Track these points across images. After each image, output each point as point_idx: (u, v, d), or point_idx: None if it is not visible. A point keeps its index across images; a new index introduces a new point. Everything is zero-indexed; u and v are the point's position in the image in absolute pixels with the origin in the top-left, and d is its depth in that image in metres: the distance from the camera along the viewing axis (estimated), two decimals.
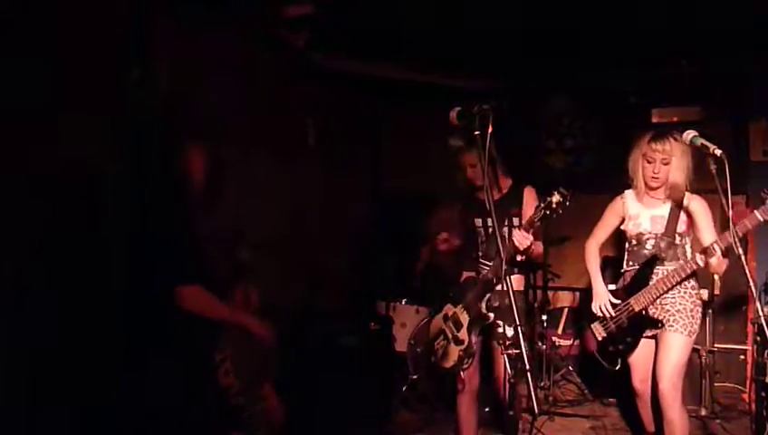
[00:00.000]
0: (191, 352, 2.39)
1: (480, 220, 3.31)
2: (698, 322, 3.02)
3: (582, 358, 4.90)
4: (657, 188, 3.06)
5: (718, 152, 2.41)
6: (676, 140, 2.94)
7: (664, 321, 3.02)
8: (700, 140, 2.53)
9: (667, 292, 3.01)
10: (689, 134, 2.59)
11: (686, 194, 3.01)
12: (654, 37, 4.64)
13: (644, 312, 3.07)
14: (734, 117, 5.14)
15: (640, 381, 3.16)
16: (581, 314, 3.41)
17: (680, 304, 3.01)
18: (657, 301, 3.04)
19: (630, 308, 3.09)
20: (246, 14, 3.97)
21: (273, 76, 4.65)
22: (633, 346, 3.10)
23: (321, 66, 4.91)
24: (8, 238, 2.61)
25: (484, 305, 3.07)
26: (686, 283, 3.03)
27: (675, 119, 5.30)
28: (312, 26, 4.26)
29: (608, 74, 5.42)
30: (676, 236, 3.03)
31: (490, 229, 3.23)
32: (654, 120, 5.38)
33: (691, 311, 3.00)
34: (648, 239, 3.09)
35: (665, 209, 3.07)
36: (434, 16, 4.32)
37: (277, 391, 3.48)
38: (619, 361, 3.14)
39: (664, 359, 2.98)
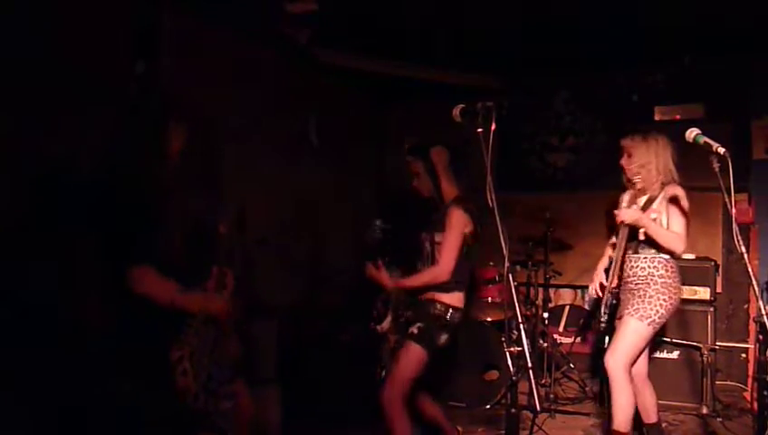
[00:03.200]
0: (145, 348, 2.20)
1: (424, 234, 3.17)
2: (658, 311, 3.07)
3: (586, 355, 4.92)
4: (630, 179, 3.23)
5: (721, 150, 2.42)
6: (643, 138, 3.17)
7: (628, 305, 3.17)
8: (703, 138, 2.54)
9: (622, 257, 3.22)
10: (692, 132, 2.60)
11: (668, 186, 3.12)
12: (656, 35, 4.64)
13: (620, 292, 3.25)
14: (736, 115, 5.13)
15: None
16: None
17: (643, 290, 3.13)
18: (629, 287, 3.20)
19: (610, 285, 3.27)
20: (250, 11, 3.97)
21: (277, 73, 4.65)
22: (610, 327, 3.26)
23: (324, 63, 4.91)
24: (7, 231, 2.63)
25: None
26: (654, 271, 3.12)
27: (677, 116, 5.30)
28: (316, 23, 4.26)
29: (610, 72, 5.42)
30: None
31: (428, 246, 3.13)
32: (656, 117, 5.38)
33: (650, 298, 3.10)
34: (628, 224, 3.23)
35: (643, 199, 3.23)
36: (437, 13, 4.32)
37: (278, 388, 3.50)
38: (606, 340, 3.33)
39: (615, 338, 3.15)
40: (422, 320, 3.01)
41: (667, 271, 3.13)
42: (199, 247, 2.40)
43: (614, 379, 3.10)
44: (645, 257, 3.15)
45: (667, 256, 3.14)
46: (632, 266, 3.19)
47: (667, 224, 3.10)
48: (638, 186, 3.20)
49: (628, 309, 3.15)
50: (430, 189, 3.14)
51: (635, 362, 3.19)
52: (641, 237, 3.13)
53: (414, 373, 2.96)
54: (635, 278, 3.17)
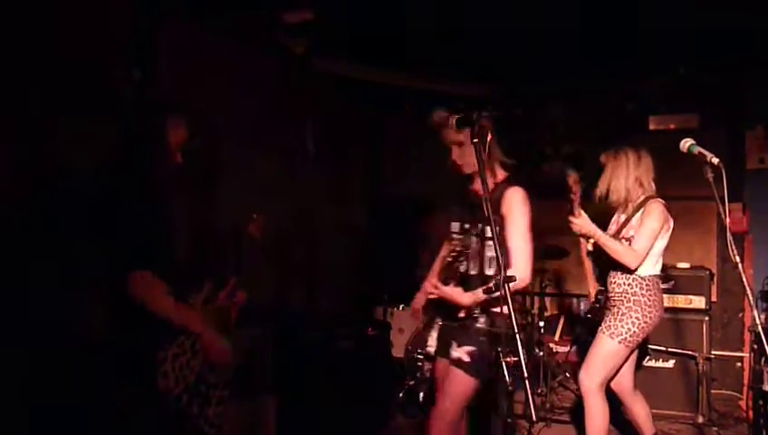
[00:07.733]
0: (133, 351, 2.17)
1: (458, 225, 2.73)
2: (630, 329, 3.08)
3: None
4: (602, 195, 3.31)
5: (715, 160, 2.43)
6: (614, 153, 3.25)
7: (604, 321, 3.20)
8: (697, 148, 2.55)
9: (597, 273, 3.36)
10: (686, 142, 2.61)
11: (649, 203, 3.14)
12: (651, 45, 4.66)
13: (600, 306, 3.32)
14: (730, 125, 5.16)
15: (612, 383, 3.23)
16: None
17: (617, 307, 3.16)
18: (609, 303, 3.23)
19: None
20: (247, 20, 3.98)
21: (273, 81, 4.66)
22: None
23: (320, 71, 4.93)
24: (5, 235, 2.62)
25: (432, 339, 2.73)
26: (628, 288, 3.13)
27: (671, 126, 5.33)
28: (312, 33, 4.27)
29: (605, 81, 5.44)
30: (621, 241, 3.18)
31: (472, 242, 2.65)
32: (651, 127, 5.40)
33: (623, 315, 3.11)
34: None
35: (623, 216, 3.29)
36: (433, 23, 4.34)
37: (275, 396, 3.48)
38: None
39: (589, 355, 3.19)
40: (472, 341, 2.57)
41: (641, 289, 3.11)
42: (207, 251, 2.38)
43: (586, 396, 3.12)
44: (622, 274, 3.15)
45: (645, 274, 3.13)
46: (611, 282, 3.21)
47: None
48: (613, 201, 3.25)
49: (602, 325, 3.17)
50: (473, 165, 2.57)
51: (612, 378, 3.19)
52: (589, 247, 3.21)
53: (465, 402, 2.63)
54: (613, 295, 3.19)
